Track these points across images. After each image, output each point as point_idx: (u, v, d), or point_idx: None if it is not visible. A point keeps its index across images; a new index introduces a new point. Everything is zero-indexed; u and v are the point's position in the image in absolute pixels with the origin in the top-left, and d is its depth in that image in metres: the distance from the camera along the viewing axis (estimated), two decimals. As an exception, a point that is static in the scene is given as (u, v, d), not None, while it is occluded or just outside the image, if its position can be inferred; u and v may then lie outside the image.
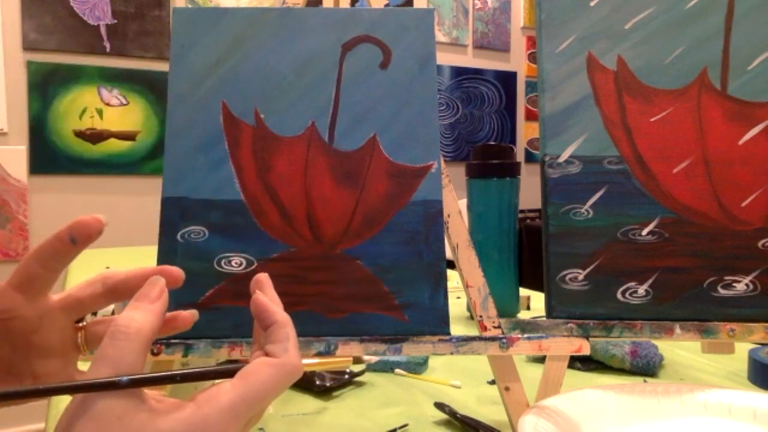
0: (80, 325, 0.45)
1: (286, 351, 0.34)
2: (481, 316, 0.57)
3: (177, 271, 0.41)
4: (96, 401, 0.30)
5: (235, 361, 0.35)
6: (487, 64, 3.69)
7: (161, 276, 0.37)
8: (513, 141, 3.77)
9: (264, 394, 0.32)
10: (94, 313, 1.04)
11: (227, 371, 0.33)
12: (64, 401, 0.72)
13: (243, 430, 0.33)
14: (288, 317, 0.36)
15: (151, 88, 2.76)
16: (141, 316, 0.33)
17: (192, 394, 0.32)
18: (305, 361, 0.36)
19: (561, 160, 0.59)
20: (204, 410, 0.31)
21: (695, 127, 0.58)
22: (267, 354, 0.34)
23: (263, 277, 0.39)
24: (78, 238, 0.40)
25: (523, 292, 1.15)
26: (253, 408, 0.32)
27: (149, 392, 0.32)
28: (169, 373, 0.33)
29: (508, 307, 1.06)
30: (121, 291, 0.42)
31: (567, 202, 0.58)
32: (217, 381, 0.33)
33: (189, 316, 0.44)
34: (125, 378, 0.30)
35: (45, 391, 0.31)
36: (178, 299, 0.54)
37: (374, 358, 0.35)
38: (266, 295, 0.37)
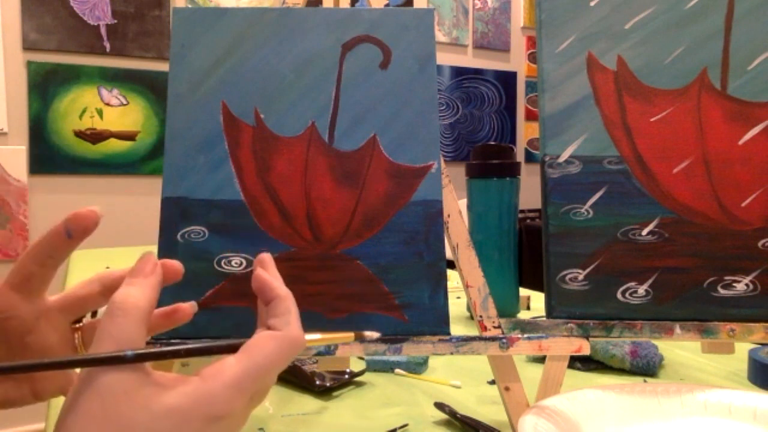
0: (78, 326, 0.44)
1: (288, 324, 0.34)
2: (481, 316, 0.57)
3: (176, 265, 0.40)
4: (101, 376, 0.29)
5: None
6: (487, 64, 3.69)
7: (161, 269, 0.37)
8: (513, 141, 3.77)
9: (268, 367, 0.33)
10: (93, 314, 1.05)
11: (231, 346, 0.34)
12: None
13: (248, 404, 0.33)
14: (289, 292, 0.36)
15: (151, 88, 2.76)
16: (137, 291, 0.33)
17: (196, 369, 0.32)
18: (307, 336, 0.36)
19: (561, 160, 0.59)
20: (209, 384, 0.31)
21: (695, 127, 0.58)
22: (269, 328, 0.35)
23: (266, 257, 0.39)
24: (74, 232, 0.40)
25: (523, 292, 1.15)
26: (257, 381, 0.32)
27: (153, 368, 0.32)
28: (173, 348, 0.33)
29: (508, 307, 1.06)
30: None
31: (567, 202, 0.58)
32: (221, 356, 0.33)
33: (188, 308, 0.44)
34: (131, 352, 0.30)
35: (49, 365, 0.31)
36: (177, 299, 0.54)
37: (375, 334, 0.37)
38: (268, 272, 0.37)
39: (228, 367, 0.32)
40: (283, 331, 0.34)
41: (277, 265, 0.57)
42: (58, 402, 0.72)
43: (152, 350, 0.31)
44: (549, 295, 0.57)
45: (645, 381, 0.76)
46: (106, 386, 0.29)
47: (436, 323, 0.55)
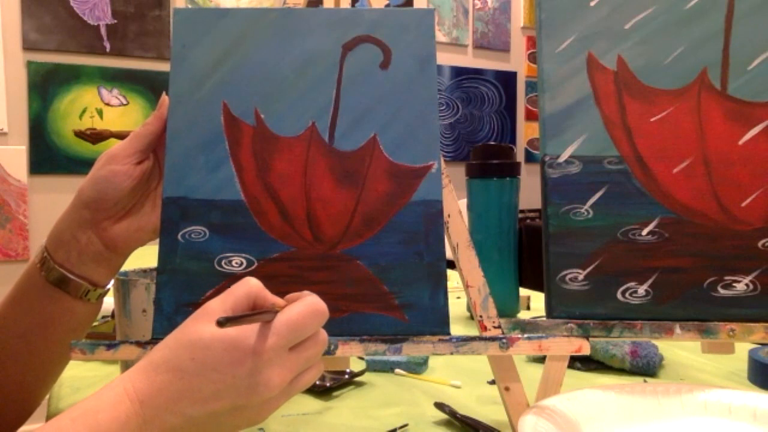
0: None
1: (312, 296, 0.45)
2: (481, 316, 0.57)
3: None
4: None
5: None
6: (487, 64, 3.69)
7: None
8: (513, 141, 3.77)
9: (296, 316, 0.43)
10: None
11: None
12: (64, 400, 0.72)
13: (291, 386, 0.43)
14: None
15: (151, 88, 2.76)
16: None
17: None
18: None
19: (561, 160, 0.59)
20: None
21: (695, 127, 0.58)
22: None
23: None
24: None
25: (523, 292, 1.15)
26: (288, 328, 0.42)
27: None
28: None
29: (508, 307, 1.06)
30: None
31: (567, 202, 0.58)
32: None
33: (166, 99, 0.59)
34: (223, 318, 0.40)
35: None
36: (178, 299, 0.55)
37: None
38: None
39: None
40: (306, 298, 0.44)
41: (277, 265, 0.57)
42: (58, 402, 0.72)
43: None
44: (549, 295, 0.57)
45: (645, 381, 0.76)
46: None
47: (436, 323, 0.55)
